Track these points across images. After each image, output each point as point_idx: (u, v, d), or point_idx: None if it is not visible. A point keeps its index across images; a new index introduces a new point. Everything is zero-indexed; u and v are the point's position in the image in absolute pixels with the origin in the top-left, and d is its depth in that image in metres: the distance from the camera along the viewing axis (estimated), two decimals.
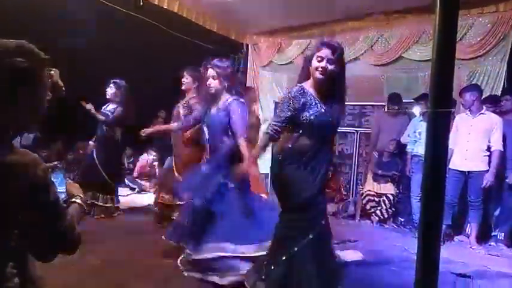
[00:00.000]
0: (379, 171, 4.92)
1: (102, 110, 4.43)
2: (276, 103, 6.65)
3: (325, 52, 2.16)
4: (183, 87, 3.98)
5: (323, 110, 2.19)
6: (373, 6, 5.17)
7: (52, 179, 1.10)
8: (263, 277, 2.20)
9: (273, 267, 2.18)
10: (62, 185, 1.44)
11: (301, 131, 2.18)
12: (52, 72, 1.34)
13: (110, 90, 4.42)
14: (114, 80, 4.44)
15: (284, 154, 2.20)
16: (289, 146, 2.18)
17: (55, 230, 1.07)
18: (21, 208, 1.00)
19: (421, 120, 4.57)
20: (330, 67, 2.16)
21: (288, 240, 2.17)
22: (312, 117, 2.15)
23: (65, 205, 1.14)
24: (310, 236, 2.15)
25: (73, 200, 1.26)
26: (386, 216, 4.73)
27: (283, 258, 2.15)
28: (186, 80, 3.92)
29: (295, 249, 2.14)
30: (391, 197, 4.72)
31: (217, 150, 2.84)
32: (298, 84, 2.24)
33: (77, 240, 1.14)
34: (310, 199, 2.16)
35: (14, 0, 4.31)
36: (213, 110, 2.88)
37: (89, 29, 4.80)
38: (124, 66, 4.88)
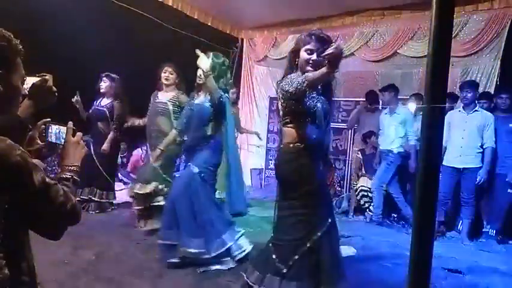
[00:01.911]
0: (368, 169, 4.94)
1: (95, 105, 4.38)
2: (271, 98, 6.65)
3: (315, 45, 2.12)
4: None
5: (322, 99, 2.18)
6: (369, 2, 5.17)
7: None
8: (284, 271, 2.08)
9: (296, 257, 2.09)
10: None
11: (316, 121, 2.15)
12: (47, 77, 1.32)
13: (104, 84, 4.35)
14: (107, 73, 4.38)
15: (306, 145, 2.14)
16: (314, 136, 2.14)
17: (51, 210, 1.05)
18: (7, 196, 0.97)
19: (386, 114, 4.58)
20: (320, 60, 2.14)
21: (309, 228, 2.13)
22: (319, 105, 2.13)
23: (54, 182, 1.08)
24: (330, 220, 2.16)
25: (62, 175, 1.19)
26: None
27: (308, 245, 2.09)
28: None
29: (319, 234, 2.11)
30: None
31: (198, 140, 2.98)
32: (289, 75, 2.16)
33: (76, 211, 1.12)
34: (323, 184, 2.23)
35: None
36: (198, 101, 3.03)
37: (79, 22, 4.73)
38: (116, 60, 4.82)
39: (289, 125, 2.17)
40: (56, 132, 1.27)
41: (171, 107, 3.74)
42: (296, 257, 2.09)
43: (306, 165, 2.14)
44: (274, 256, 2.14)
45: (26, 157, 0.99)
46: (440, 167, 1.26)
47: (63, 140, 1.26)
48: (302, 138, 2.15)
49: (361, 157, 5.07)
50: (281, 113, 2.18)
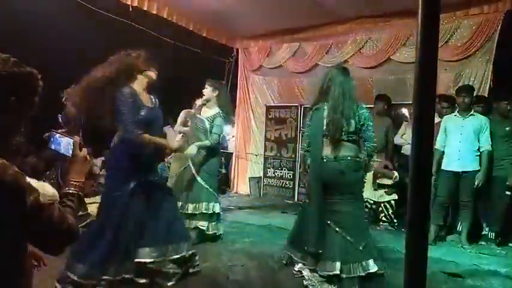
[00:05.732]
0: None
1: None
2: (268, 107, 6.68)
3: None
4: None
5: None
6: (362, 9, 5.24)
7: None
8: (360, 248, 2.72)
9: (361, 248, 2.71)
10: None
11: None
12: None
13: None
14: None
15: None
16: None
17: (44, 230, 1.04)
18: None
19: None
20: None
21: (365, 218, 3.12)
22: None
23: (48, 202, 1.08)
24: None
25: (68, 190, 1.19)
26: (386, 219, 4.72)
27: (368, 239, 2.81)
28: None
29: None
30: (393, 202, 4.67)
31: None
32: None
33: (72, 231, 1.11)
34: None
35: None
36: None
37: (74, 34, 4.77)
38: None
39: (354, 142, 2.87)
40: (63, 141, 1.24)
41: (207, 125, 3.77)
42: (361, 248, 2.71)
43: (361, 170, 2.94)
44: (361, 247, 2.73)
45: (19, 177, 0.99)
46: (431, 173, 1.28)
47: (70, 152, 1.24)
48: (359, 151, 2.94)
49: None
50: (349, 129, 2.80)
